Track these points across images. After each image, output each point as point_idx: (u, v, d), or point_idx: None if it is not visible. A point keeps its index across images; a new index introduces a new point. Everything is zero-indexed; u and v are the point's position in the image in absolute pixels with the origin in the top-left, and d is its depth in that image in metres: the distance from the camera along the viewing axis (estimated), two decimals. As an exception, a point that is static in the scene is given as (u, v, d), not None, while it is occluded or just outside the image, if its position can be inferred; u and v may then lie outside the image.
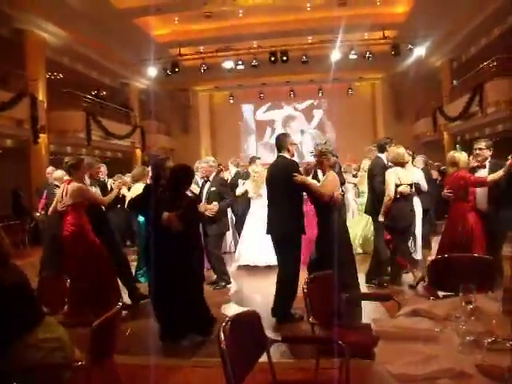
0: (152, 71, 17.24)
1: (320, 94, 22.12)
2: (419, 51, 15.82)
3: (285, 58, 16.53)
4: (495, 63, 13.77)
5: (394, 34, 16.14)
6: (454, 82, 18.22)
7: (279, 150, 4.88)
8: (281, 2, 14.22)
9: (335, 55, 16.24)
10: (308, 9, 14.78)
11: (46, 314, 2.46)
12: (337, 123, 22.45)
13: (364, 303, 4.21)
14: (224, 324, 2.04)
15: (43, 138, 13.01)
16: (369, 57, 16.49)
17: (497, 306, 2.17)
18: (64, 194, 5.00)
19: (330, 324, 2.77)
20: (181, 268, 4.15)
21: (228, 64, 17.14)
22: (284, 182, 4.63)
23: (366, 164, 7.57)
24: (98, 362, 2.36)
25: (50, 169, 7.62)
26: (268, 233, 4.89)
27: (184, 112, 22.57)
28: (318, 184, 4.83)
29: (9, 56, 12.23)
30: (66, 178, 5.37)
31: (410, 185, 5.57)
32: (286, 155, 4.82)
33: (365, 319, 3.92)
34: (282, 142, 4.87)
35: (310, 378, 2.74)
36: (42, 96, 13.06)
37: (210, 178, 6.26)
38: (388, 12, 15.18)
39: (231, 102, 22.87)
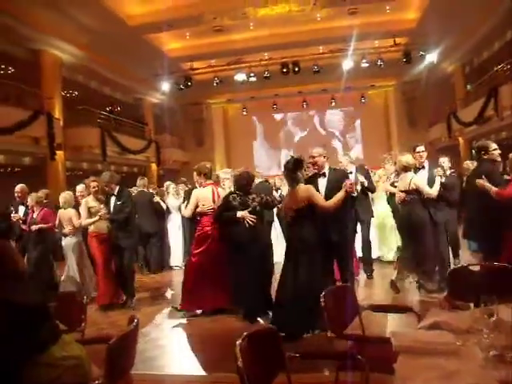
0: (165, 86, 17.44)
1: (333, 104, 22.00)
2: (431, 57, 15.75)
3: (296, 69, 16.62)
4: (509, 66, 13.62)
5: (404, 40, 16.11)
6: (468, 86, 18.05)
7: None
8: (290, 13, 14.29)
9: (347, 64, 16.24)
10: (318, 19, 14.83)
11: (63, 331, 2.46)
12: (350, 131, 22.36)
13: (383, 315, 4.13)
14: (240, 341, 2.02)
15: (60, 154, 13.22)
16: (380, 64, 16.46)
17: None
18: (216, 197, 5.59)
19: (348, 337, 2.73)
20: (256, 257, 5.07)
21: (240, 76, 17.24)
22: None
23: (381, 172, 7.55)
24: (115, 380, 2.35)
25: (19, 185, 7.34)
26: None
27: (198, 125, 22.70)
28: None
29: (25, 76, 12.50)
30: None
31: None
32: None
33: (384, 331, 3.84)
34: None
35: (329, 393, 2.69)
36: (58, 114, 13.29)
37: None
38: (398, 19, 15.15)
39: (244, 114, 22.92)
